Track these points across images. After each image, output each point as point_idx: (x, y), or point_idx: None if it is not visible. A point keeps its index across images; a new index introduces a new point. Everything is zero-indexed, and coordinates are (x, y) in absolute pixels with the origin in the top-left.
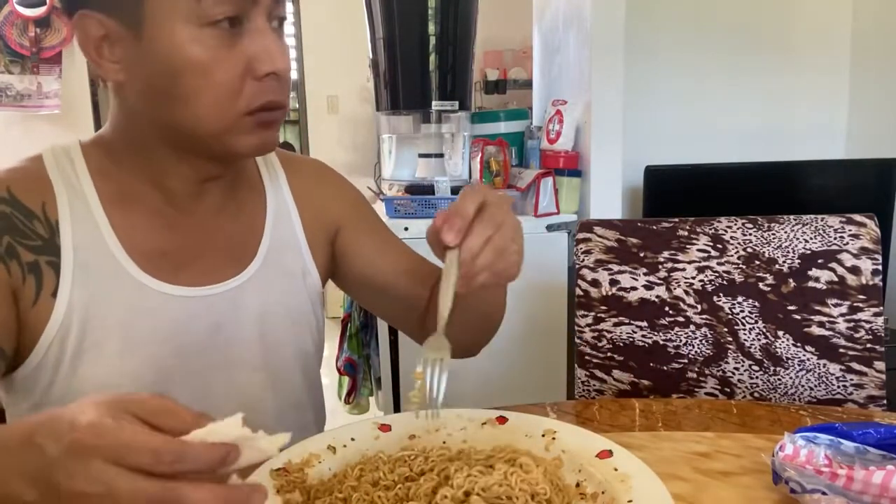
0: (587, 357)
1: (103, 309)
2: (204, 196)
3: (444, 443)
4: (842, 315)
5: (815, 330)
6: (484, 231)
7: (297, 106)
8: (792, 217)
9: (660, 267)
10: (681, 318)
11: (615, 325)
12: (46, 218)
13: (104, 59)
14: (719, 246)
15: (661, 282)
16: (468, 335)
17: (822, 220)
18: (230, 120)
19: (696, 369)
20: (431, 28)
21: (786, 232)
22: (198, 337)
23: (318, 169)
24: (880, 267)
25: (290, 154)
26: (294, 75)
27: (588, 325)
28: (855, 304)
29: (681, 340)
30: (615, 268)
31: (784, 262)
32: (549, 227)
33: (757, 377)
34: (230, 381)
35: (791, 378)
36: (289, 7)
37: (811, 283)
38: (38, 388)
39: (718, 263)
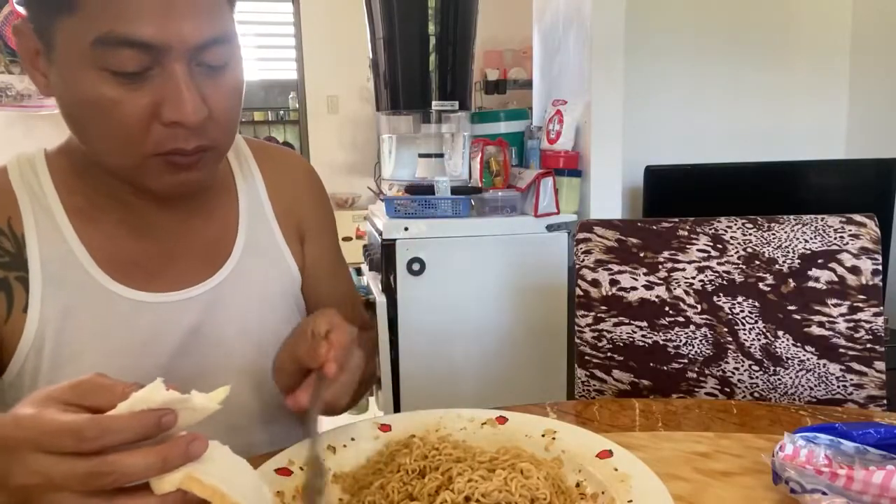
0: (587, 357)
1: (77, 321)
2: (170, 204)
3: (444, 445)
4: (842, 315)
5: (815, 330)
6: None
7: (297, 106)
8: (792, 217)
9: (660, 267)
10: (681, 318)
11: (615, 325)
12: (13, 233)
13: (37, 72)
14: (719, 246)
15: (661, 282)
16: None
17: (822, 220)
18: (136, 159)
19: (696, 369)
20: (431, 28)
21: (786, 232)
22: (176, 342)
23: (294, 163)
24: (880, 267)
25: (264, 145)
26: (294, 75)
27: (588, 325)
28: (855, 304)
29: (681, 340)
30: (615, 268)
31: (784, 262)
32: (549, 227)
33: (757, 377)
34: (213, 386)
35: (791, 378)
36: (289, 7)
37: (811, 283)
38: (17, 403)
39: (718, 263)
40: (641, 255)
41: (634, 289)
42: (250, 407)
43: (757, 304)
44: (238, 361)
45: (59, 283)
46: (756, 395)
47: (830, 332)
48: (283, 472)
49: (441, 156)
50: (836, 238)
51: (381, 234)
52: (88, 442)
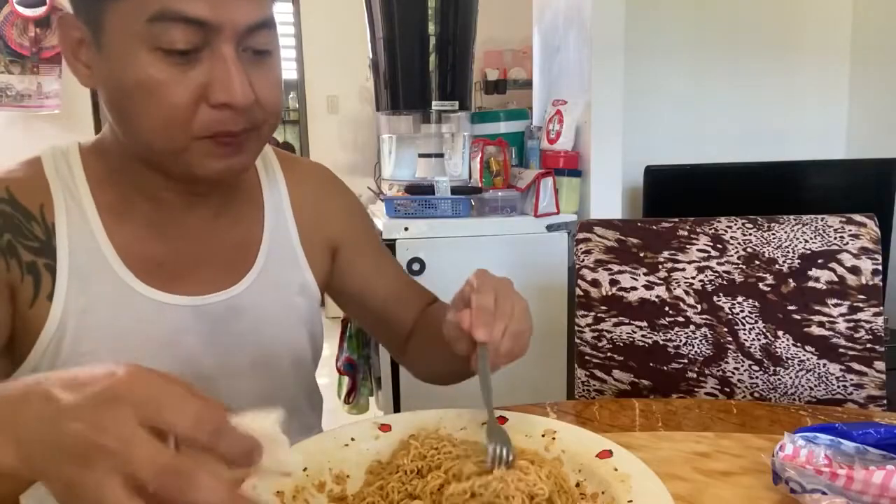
0: (587, 357)
1: (99, 317)
2: (198, 207)
3: (444, 444)
4: (842, 315)
5: (815, 330)
6: (502, 323)
7: (297, 106)
8: (792, 217)
9: (660, 267)
10: (681, 318)
11: (615, 325)
12: (44, 221)
13: (79, 63)
14: (719, 246)
15: (661, 282)
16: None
17: (822, 220)
18: (181, 142)
19: (696, 369)
20: (431, 28)
21: (786, 232)
22: (194, 346)
23: (319, 176)
24: (880, 267)
25: (291, 157)
26: (294, 75)
27: (588, 325)
28: (855, 304)
29: (681, 340)
30: (615, 268)
31: (784, 262)
32: (549, 227)
33: (757, 377)
34: (226, 391)
35: (791, 378)
36: (289, 7)
37: (811, 283)
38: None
39: (718, 263)
40: (641, 255)
41: (634, 289)
42: (255, 406)
43: (757, 304)
44: (250, 366)
45: (85, 276)
46: (756, 395)
47: (830, 332)
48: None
49: (441, 156)
50: (836, 238)
51: (381, 234)
52: (202, 433)
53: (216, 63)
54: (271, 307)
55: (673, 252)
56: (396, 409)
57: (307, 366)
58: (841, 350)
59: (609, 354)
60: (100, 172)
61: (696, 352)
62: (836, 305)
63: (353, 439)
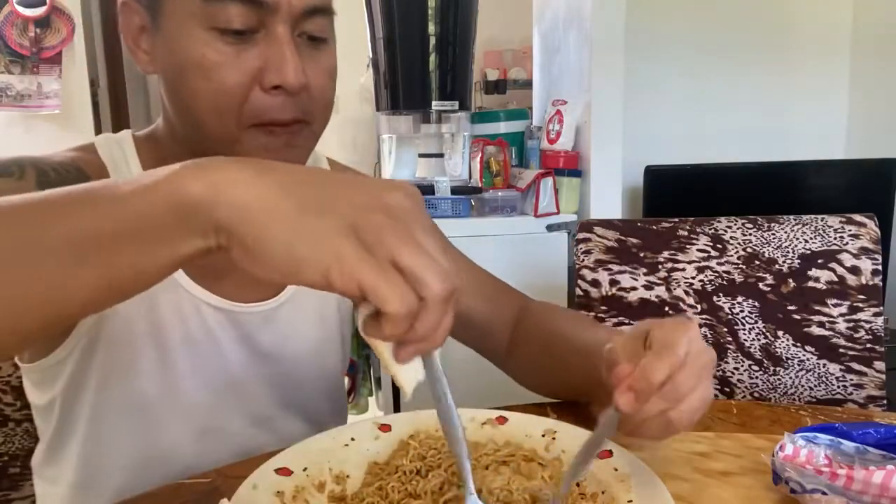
0: None
1: (141, 304)
2: None
3: (443, 444)
4: (842, 315)
5: (815, 330)
6: (661, 404)
7: None
8: (792, 217)
9: (660, 267)
10: None
11: (615, 325)
12: None
13: (139, 49)
14: (719, 246)
15: (661, 282)
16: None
17: (822, 220)
18: (233, 130)
19: None
20: (431, 28)
21: (786, 232)
22: (225, 349)
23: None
24: (880, 267)
25: (345, 168)
26: None
27: None
28: (855, 304)
29: None
30: (615, 268)
31: (784, 262)
32: (549, 227)
33: (757, 377)
34: (248, 399)
35: (791, 378)
36: None
37: (811, 283)
38: (63, 376)
39: (718, 263)
40: (641, 255)
41: (634, 289)
42: (280, 425)
43: (757, 304)
44: (278, 375)
45: None
46: (756, 395)
47: (830, 332)
48: (284, 471)
49: (441, 156)
50: (836, 238)
51: None
52: (448, 284)
53: (271, 45)
54: (306, 321)
55: (673, 252)
56: (396, 409)
57: (335, 377)
58: (841, 350)
59: None
60: (153, 162)
61: None
62: (836, 305)
63: (353, 439)
